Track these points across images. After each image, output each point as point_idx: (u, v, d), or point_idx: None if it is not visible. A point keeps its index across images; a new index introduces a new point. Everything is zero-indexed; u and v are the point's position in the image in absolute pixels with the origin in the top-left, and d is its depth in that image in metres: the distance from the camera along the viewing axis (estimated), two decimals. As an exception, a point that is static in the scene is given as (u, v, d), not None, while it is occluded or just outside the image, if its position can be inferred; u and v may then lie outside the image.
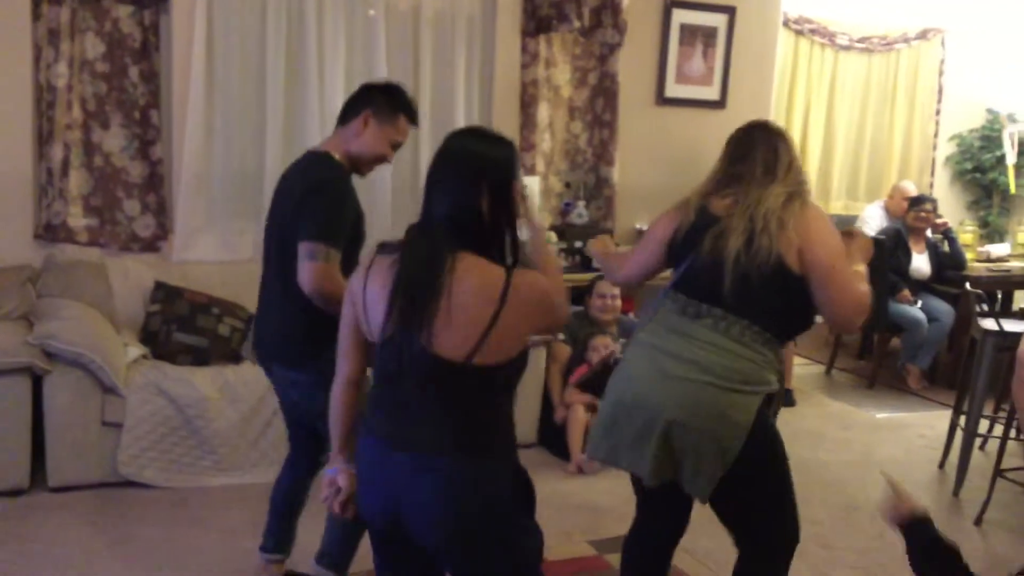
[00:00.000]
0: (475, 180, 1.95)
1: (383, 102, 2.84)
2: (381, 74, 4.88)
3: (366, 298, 1.98)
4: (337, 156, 2.82)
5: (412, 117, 2.90)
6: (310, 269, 2.64)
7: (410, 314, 1.89)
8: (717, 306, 2.42)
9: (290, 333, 2.79)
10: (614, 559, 3.41)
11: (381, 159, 2.89)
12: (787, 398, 5.77)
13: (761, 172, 2.49)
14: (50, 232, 4.41)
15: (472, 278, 1.89)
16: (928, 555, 1.97)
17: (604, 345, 4.56)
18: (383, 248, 2.02)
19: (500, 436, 1.99)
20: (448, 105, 5.13)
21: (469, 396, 1.92)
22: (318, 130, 4.71)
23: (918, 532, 1.98)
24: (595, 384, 4.15)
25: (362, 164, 2.88)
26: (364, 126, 2.82)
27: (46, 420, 3.74)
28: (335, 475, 2.12)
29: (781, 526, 2.56)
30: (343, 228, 2.72)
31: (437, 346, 1.88)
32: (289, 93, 4.75)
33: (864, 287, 2.46)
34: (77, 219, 4.47)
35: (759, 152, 2.52)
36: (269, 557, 3.08)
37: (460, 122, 5.10)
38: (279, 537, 3.08)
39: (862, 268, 2.52)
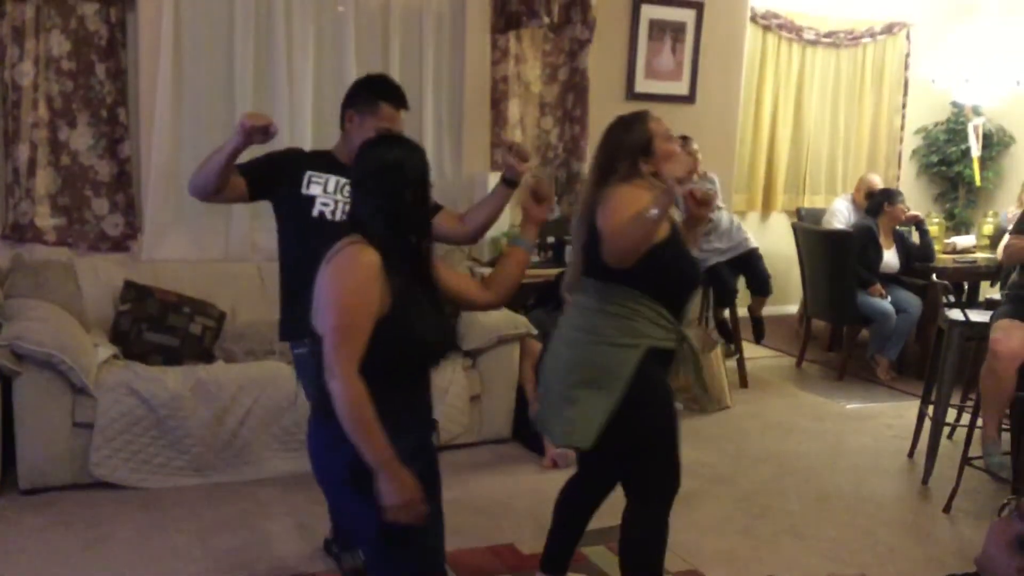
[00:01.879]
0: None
1: (360, 97, 2.95)
2: (350, 71, 4.87)
3: None
4: (341, 158, 2.97)
5: (395, 101, 2.96)
6: None
7: None
8: (590, 276, 2.74)
9: None
10: (591, 552, 3.45)
11: None
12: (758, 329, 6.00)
13: (595, 162, 2.81)
14: (17, 232, 4.37)
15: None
16: None
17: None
18: None
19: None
20: (418, 102, 5.12)
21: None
22: (287, 127, 4.68)
23: None
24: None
25: None
26: (350, 124, 2.96)
27: (16, 422, 3.69)
28: None
29: (660, 474, 2.77)
30: None
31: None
32: (258, 90, 4.72)
33: (620, 220, 2.59)
34: (45, 218, 4.43)
35: (599, 146, 2.82)
36: None
37: (430, 119, 5.11)
38: None
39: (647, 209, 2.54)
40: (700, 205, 2.75)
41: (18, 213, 4.35)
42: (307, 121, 4.79)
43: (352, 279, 2.03)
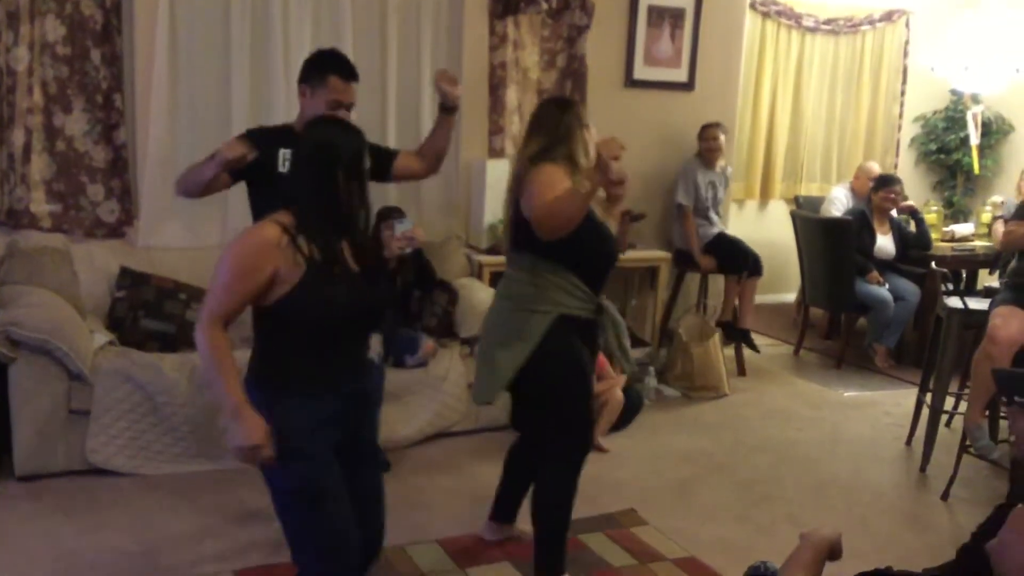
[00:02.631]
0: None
1: (311, 72, 3.15)
2: (347, 56, 4.82)
3: None
4: (295, 125, 3.20)
5: (343, 74, 3.14)
6: None
7: None
8: (515, 249, 2.99)
9: None
10: (587, 538, 3.45)
11: None
12: (747, 339, 5.85)
13: (534, 140, 2.97)
14: (12, 218, 4.34)
15: None
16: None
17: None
18: None
19: (266, 368, 2.30)
20: (415, 88, 5.10)
21: (254, 333, 2.32)
22: (283, 113, 4.65)
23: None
24: None
25: None
26: (303, 99, 3.17)
27: (12, 409, 3.68)
28: None
29: (566, 433, 2.96)
30: None
31: None
32: (254, 75, 4.69)
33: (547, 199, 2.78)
34: (40, 205, 4.40)
35: (537, 124, 3.00)
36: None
37: (427, 104, 5.07)
38: None
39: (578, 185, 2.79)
40: (615, 184, 2.79)
41: (13, 199, 4.33)
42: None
43: (240, 250, 2.21)
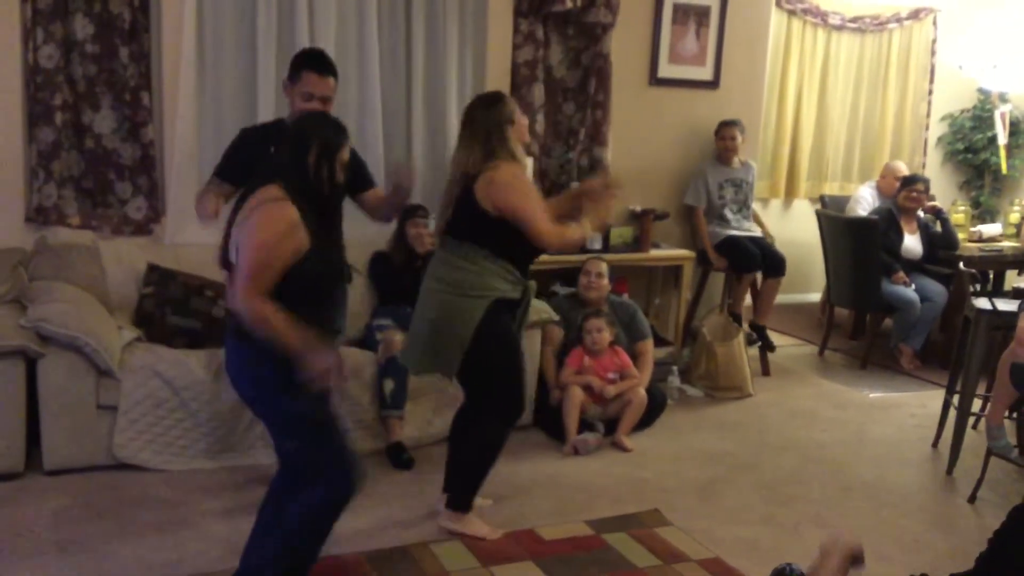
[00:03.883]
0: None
1: (291, 69, 3.49)
2: (372, 55, 4.85)
3: None
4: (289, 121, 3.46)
5: (318, 68, 3.43)
6: None
7: None
8: (450, 234, 3.33)
9: None
10: (611, 538, 3.45)
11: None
12: (765, 341, 5.80)
13: (471, 136, 3.30)
14: (41, 215, 4.38)
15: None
16: None
17: (597, 328, 4.57)
18: None
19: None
20: (440, 86, 5.10)
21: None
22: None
23: None
24: None
25: None
26: (286, 94, 3.54)
27: (40, 403, 3.72)
28: None
29: (503, 397, 3.38)
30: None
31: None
32: (280, 73, 4.68)
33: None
34: (68, 202, 4.44)
35: (469, 121, 3.32)
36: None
37: (452, 103, 5.08)
38: None
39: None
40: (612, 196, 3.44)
41: (42, 196, 4.37)
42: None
43: (273, 231, 2.49)
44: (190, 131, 4.56)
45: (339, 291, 2.78)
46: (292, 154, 2.61)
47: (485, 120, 3.27)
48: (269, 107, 4.64)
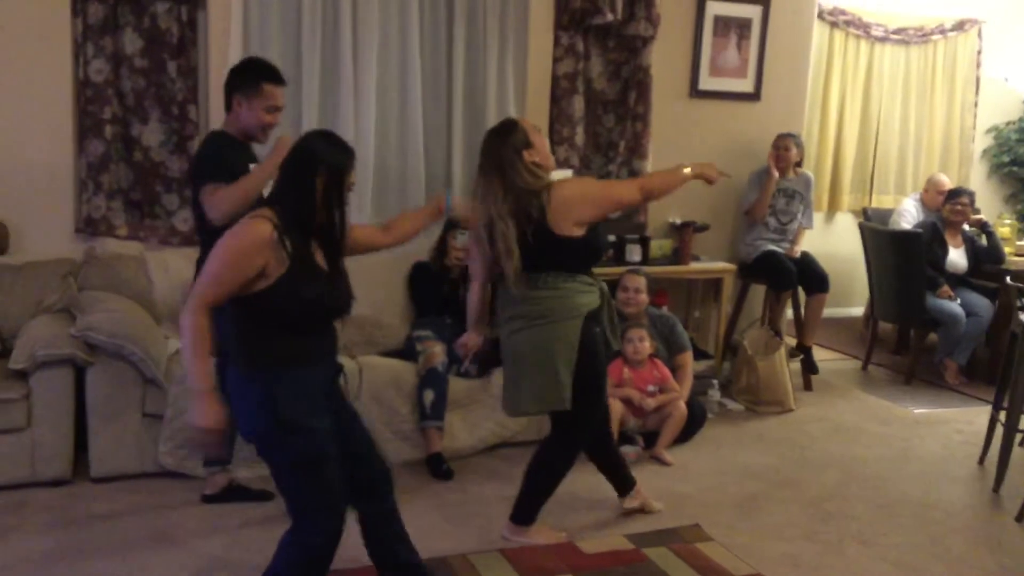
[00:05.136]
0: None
1: (244, 81, 3.34)
2: (415, 68, 4.89)
3: None
4: (231, 132, 3.42)
5: (276, 79, 3.36)
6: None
7: None
8: (531, 271, 3.22)
9: None
10: (651, 553, 3.43)
11: (266, 126, 3.42)
12: (810, 363, 5.73)
13: (492, 169, 3.22)
14: (90, 226, 4.47)
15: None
16: None
17: (639, 336, 4.55)
18: None
19: (254, 351, 2.47)
20: (481, 99, 5.13)
21: (232, 320, 2.49)
22: (352, 122, 4.73)
23: None
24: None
25: (253, 135, 3.45)
26: (239, 107, 3.37)
27: (88, 411, 3.79)
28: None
29: (588, 408, 3.36)
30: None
31: None
32: (324, 89, 4.76)
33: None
34: (117, 213, 4.52)
35: (489, 156, 3.24)
36: None
37: (492, 115, 5.10)
38: None
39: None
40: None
41: (91, 207, 4.45)
42: (371, 119, 4.81)
43: (236, 243, 2.39)
44: (235, 144, 4.62)
45: (326, 329, 2.62)
46: (296, 176, 2.50)
47: (499, 152, 3.18)
48: (312, 118, 4.69)
